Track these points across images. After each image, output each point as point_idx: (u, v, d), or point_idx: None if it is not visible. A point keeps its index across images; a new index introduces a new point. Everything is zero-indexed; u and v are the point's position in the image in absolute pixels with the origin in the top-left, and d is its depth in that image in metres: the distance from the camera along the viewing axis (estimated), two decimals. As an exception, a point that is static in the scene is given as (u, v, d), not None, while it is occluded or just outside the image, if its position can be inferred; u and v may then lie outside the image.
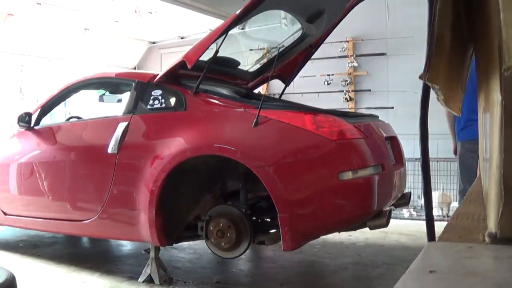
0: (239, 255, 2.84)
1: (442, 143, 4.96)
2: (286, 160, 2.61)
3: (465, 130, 3.51)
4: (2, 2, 5.49)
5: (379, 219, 2.75)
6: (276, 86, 5.62)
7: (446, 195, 5.04)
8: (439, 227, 0.92)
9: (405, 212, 5.14)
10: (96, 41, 7.07)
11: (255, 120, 2.65)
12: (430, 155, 1.05)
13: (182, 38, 7.35)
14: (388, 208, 2.90)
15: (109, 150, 3.05)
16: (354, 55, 5.97)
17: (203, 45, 2.84)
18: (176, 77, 3.14)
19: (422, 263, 0.64)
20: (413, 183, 4.59)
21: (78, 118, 4.77)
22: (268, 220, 3.14)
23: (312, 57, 4.04)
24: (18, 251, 3.77)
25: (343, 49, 5.96)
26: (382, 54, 5.75)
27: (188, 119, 2.94)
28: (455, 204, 4.79)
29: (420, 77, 0.88)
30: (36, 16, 6.01)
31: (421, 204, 5.00)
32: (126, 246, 4.11)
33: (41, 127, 3.62)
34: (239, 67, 3.87)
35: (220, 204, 2.96)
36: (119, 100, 4.18)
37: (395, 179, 2.97)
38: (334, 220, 2.63)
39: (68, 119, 4.59)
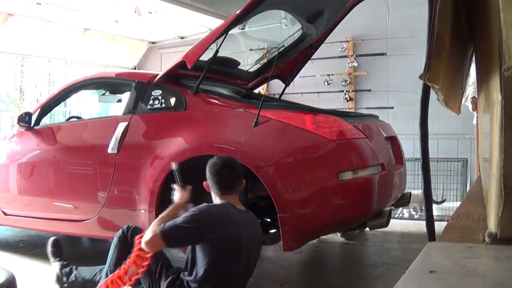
0: (239, 255, 2.83)
1: (442, 143, 4.95)
2: (286, 160, 2.61)
3: None
4: (2, 2, 5.49)
5: (379, 219, 2.75)
6: (276, 86, 5.61)
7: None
8: (439, 227, 0.92)
9: (405, 212, 5.13)
10: (96, 41, 7.07)
11: (255, 120, 2.65)
12: (430, 155, 1.05)
13: (182, 38, 7.34)
14: (388, 208, 2.90)
15: (109, 150, 3.05)
16: (354, 55, 5.96)
17: (203, 45, 2.84)
18: (176, 77, 3.14)
19: (422, 263, 0.64)
20: (413, 183, 4.58)
21: (78, 118, 4.77)
22: (268, 220, 3.14)
23: (312, 57, 4.04)
24: (18, 251, 3.76)
25: (343, 49, 5.95)
26: (382, 54, 5.74)
27: (188, 119, 2.94)
28: (452, 204, 4.77)
29: (420, 77, 0.89)
30: (36, 16, 6.01)
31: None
32: (126, 246, 4.10)
33: (41, 127, 3.61)
34: (239, 67, 3.86)
35: (220, 204, 2.95)
36: (119, 100, 4.18)
37: (395, 179, 2.97)
38: (334, 220, 2.63)
39: (68, 119, 4.59)
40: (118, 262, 2.34)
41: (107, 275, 2.35)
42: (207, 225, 2.06)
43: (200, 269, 2.08)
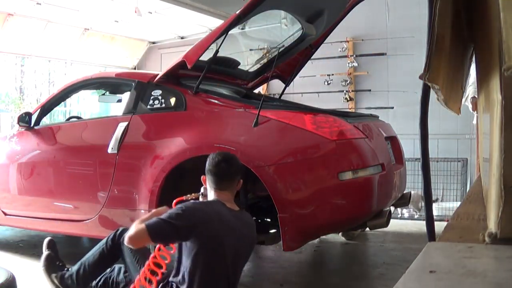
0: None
1: (442, 143, 4.96)
2: (286, 160, 2.61)
3: None
4: (2, 2, 5.49)
5: (379, 219, 2.75)
6: (276, 86, 5.61)
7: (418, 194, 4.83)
8: (439, 227, 0.92)
9: (405, 212, 5.13)
10: (96, 41, 7.07)
11: (255, 120, 2.65)
12: (430, 155, 1.05)
13: (182, 38, 7.34)
14: (388, 208, 2.90)
15: (109, 150, 3.05)
16: (354, 55, 5.96)
17: (203, 45, 2.84)
18: (176, 77, 3.14)
19: (422, 263, 0.64)
20: (413, 183, 4.58)
21: (78, 118, 4.77)
22: (268, 220, 3.14)
23: (312, 57, 4.04)
24: (18, 251, 3.76)
25: (343, 49, 5.95)
26: (382, 54, 5.74)
27: (188, 119, 2.94)
28: (452, 204, 4.78)
29: (420, 77, 0.89)
30: (36, 16, 6.01)
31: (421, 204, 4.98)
32: (126, 246, 4.09)
33: (41, 127, 3.61)
34: (239, 67, 3.86)
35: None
36: (119, 100, 4.18)
37: (395, 179, 2.97)
38: (334, 220, 2.63)
39: (68, 119, 4.59)
40: (94, 265, 2.55)
41: (84, 269, 2.55)
42: (193, 222, 2.00)
43: (184, 270, 2.04)
